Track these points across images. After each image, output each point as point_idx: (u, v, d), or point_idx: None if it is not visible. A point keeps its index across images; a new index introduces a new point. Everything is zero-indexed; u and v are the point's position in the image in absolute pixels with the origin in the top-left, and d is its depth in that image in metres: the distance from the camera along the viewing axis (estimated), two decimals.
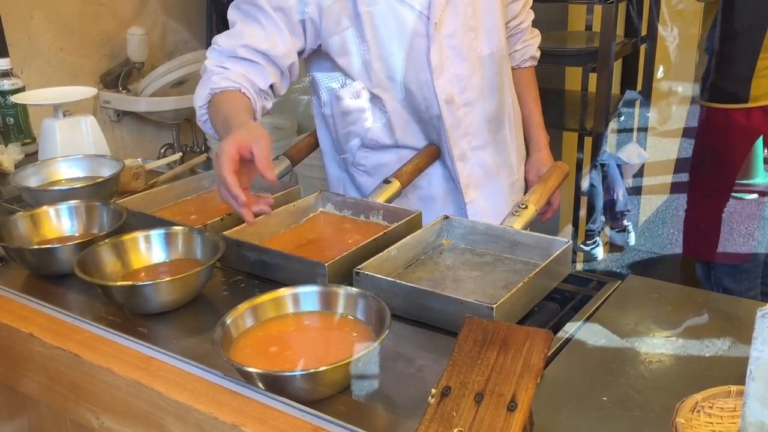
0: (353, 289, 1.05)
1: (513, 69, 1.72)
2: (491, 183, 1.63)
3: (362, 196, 1.60)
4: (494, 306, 1.01)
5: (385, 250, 1.20)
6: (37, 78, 2.69)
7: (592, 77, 2.53)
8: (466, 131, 1.56)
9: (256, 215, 1.17)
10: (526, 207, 1.31)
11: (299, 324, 1.04)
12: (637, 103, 2.65)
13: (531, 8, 1.74)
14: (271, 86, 1.44)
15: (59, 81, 2.76)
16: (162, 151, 3.18)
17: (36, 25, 2.73)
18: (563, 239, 1.21)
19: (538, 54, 1.78)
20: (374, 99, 1.52)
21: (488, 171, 1.62)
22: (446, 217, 1.32)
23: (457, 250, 1.29)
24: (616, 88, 2.67)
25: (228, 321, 0.99)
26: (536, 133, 1.75)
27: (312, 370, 0.89)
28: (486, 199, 1.62)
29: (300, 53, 1.49)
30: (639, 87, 2.65)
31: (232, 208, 1.17)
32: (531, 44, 1.75)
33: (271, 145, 1.15)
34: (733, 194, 2.29)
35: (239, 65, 1.41)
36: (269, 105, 1.46)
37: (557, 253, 1.17)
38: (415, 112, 1.54)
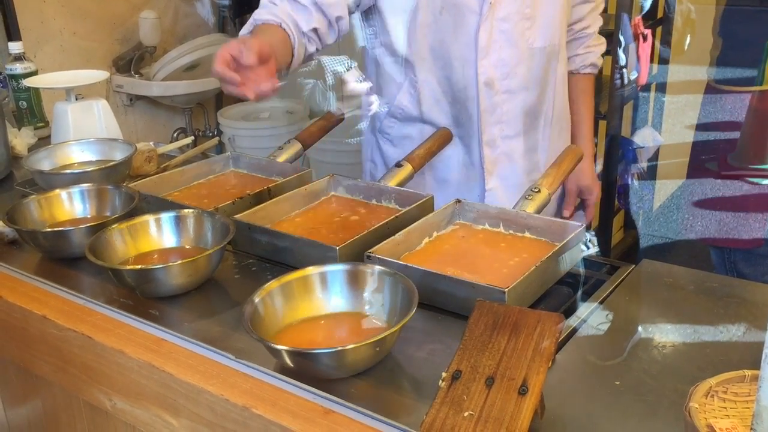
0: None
1: (571, 73, 1.68)
2: (514, 175, 1.61)
3: (385, 164, 1.63)
4: (506, 290, 1.00)
5: (397, 234, 1.19)
6: (50, 62, 2.69)
7: (607, 60, 2.50)
8: (500, 119, 1.54)
9: (259, 96, 1.20)
10: (539, 191, 1.29)
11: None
12: (653, 86, 2.62)
13: (600, 14, 1.69)
14: (315, 31, 1.43)
15: (72, 65, 2.76)
16: (174, 135, 3.18)
17: (48, 8, 2.73)
18: (576, 223, 1.20)
19: (599, 62, 1.72)
20: (408, 66, 1.53)
21: (514, 163, 1.60)
22: (458, 201, 1.31)
23: (470, 234, 1.28)
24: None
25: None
26: (583, 143, 1.70)
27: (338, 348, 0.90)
28: (506, 190, 1.60)
29: (354, 9, 1.51)
30: (654, 70, 2.62)
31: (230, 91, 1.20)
32: (593, 51, 1.69)
33: (262, 47, 1.21)
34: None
35: (286, 3, 1.41)
36: (312, 48, 1.45)
37: (570, 237, 1.16)
38: (450, 89, 1.52)
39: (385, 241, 1.17)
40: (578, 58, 1.69)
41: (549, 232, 1.22)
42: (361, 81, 1.60)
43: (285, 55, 1.38)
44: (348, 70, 1.58)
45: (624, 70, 2.44)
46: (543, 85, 1.57)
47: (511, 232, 1.26)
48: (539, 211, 1.27)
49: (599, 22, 1.69)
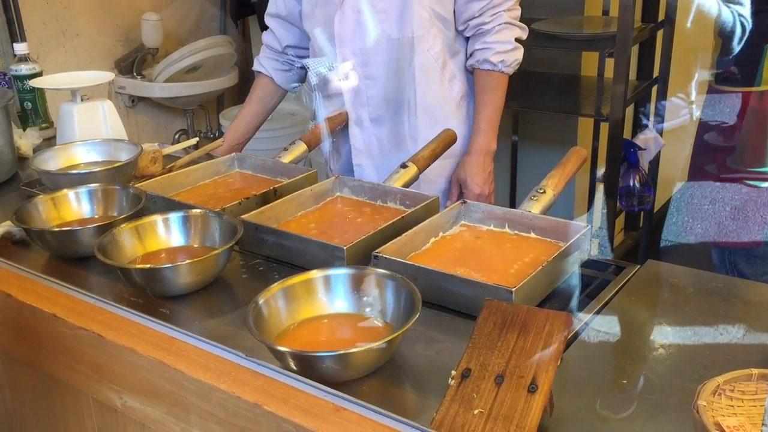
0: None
1: (475, 69, 1.70)
2: (383, 156, 1.77)
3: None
4: (514, 289, 1.01)
5: (403, 234, 1.20)
6: (53, 63, 2.70)
7: (609, 62, 2.51)
8: (367, 102, 1.72)
9: None
10: (544, 192, 1.30)
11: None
12: (655, 88, 2.64)
13: (510, 12, 1.66)
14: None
15: (74, 66, 2.77)
16: (176, 136, 3.19)
17: (52, 10, 2.74)
18: (582, 223, 1.21)
19: (497, 59, 1.66)
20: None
21: (383, 145, 1.75)
22: (464, 202, 1.32)
23: (475, 234, 1.29)
24: (632, 74, 2.65)
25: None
26: (474, 136, 1.71)
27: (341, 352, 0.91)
28: (376, 170, 1.78)
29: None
30: (656, 72, 2.64)
31: None
32: (491, 48, 1.65)
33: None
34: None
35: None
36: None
37: (576, 237, 1.17)
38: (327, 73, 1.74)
39: (391, 242, 1.18)
40: (477, 53, 1.69)
41: (554, 233, 1.23)
42: (343, 79, 1.73)
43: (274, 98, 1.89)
44: (330, 69, 1.72)
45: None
46: (400, 75, 1.69)
47: (516, 232, 1.27)
48: (544, 211, 1.28)
49: (500, 19, 1.64)
